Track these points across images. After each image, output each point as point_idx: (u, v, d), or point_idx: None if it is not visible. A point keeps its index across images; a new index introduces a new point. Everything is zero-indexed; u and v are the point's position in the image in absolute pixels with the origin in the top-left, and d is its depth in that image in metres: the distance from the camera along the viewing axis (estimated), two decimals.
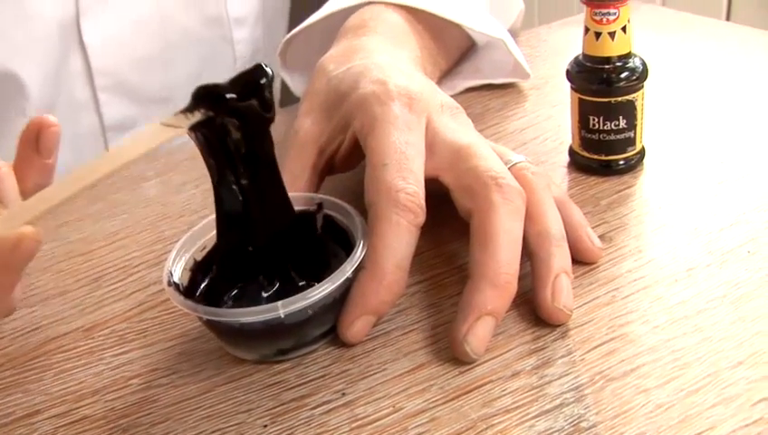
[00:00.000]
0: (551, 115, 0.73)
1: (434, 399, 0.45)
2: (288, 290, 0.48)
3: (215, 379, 0.49)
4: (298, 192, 0.55)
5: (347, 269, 0.47)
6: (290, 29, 0.78)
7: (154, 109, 0.87)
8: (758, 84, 0.75)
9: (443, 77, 0.78)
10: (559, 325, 0.49)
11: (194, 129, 0.45)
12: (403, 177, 0.49)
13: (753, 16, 1.64)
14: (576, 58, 0.61)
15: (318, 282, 0.47)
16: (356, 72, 0.58)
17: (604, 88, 0.59)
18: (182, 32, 0.87)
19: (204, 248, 0.52)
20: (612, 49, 0.58)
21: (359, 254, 0.48)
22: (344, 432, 0.44)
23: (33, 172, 0.48)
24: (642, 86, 0.60)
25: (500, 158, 0.53)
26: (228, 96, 0.45)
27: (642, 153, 0.63)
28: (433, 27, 0.73)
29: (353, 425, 0.45)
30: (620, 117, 0.60)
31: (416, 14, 0.72)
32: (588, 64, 0.60)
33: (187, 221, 0.65)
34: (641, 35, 0.83)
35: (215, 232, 0.51)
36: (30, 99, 0.80)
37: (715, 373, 0.44)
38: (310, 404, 0.46)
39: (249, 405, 0.47)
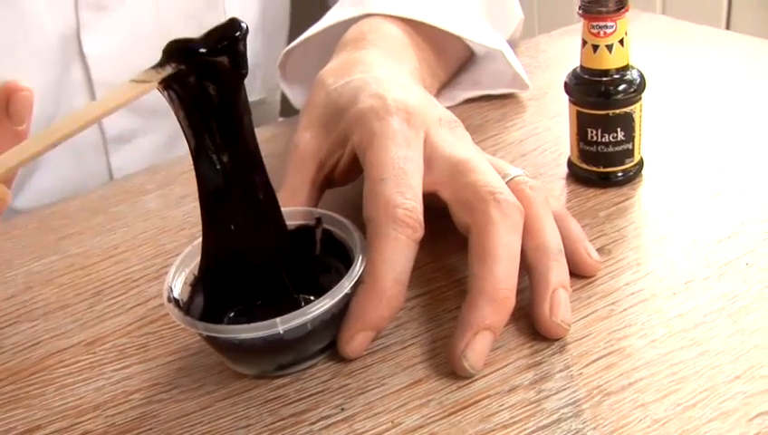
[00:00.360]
0: (549, 126, 0.73)
1: (432, 414, 0.46)
2: (287, 305, 0.48)
3: (214, 394, 0.49)
4: (297, 207, 0.55)
5: (345, 285, 0.47)
6: (290, 41, 0.78)
7: (154, 120, 0.88)
8: (757, 94, 0.75)
9: (442, 88, 0.78)
10: (557, 339, 0.49)
11: (165, 84, 0.44)
12: (401, 192, 0.50)
13: (753, 24, 1.64)
14: (574, 70, 0.61)
15: (317, 297, 0.47)
16: (355, 87, 0.58)
17: (602, 100, 0.59)
18: None
19: None
20: (610, 62, 0.59)
21: (357, 269, 0.48)
22: None
23: (4, 139, 0.48)
24: (640, 98, 0.60)
25: (498, 172, 0.53)
26: (200, 50, 0.43)
27: (641, 165, 0.63)
28: (432, 39, 0.73)
29: None
30: (618, 129, 0.60)
31: (415, 26, 0.72)
32: (586, 77, 0.60)
33: (188, 234, 0.65)
34: (641, 44, 0.84)
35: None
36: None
37: (713, 388, 0.45)
38: (309, 419, 0.47)
39: (248, 420, 0.47)
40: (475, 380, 0.47)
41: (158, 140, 0.89)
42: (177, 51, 0.44)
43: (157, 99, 0.88)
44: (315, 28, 0.74)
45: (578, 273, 0.53)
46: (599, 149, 0.61)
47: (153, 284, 0.60)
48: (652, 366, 0.46)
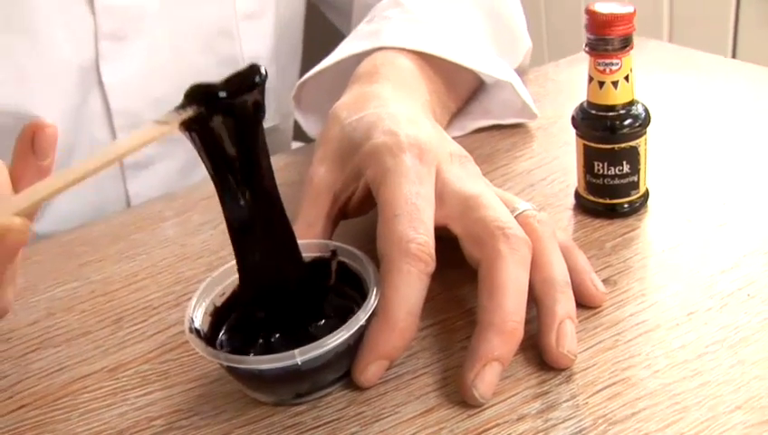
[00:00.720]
0: (558, 155, 0.75)
1: None
2: (305, 335, 0.50)
3: (234, 421, 0.51)
4: (313, 239, 0.57)
5: (361, 317, 0.49)
6: (302, 69, 0.80)
7: (170, 147, 0.89)
8: (762, 123, 0.77)
9: (453, 118, 0.80)
10: (563, 369, 0.51)
11: (186, 126, 0.46)
12: (414, 227, 0.51)
13: (759, 53, 1.65)
14: (581, 105, 0.63)
15: (333, 327, 0.49)
16: (368, 122, 0.60)
17: (608, 135, 0.61)
18: (198, 73, 0.88)
19: (223, 294, 0.54)
20: (616, 97, 0.61)
21: (372, 302, 0.50)
22: None
23: (29, 174, 0.49)
24: (645, 132, 0.62)
25: (507, 205, 0.55)
26: (220, 94, 0.46)
27: (646, 196, 0.65)
28: (443, 70, 0.75)
29: None
30: (624, 162, 0.62)
31: (426, 59, 0.74)
32: (592, 112, 0.62)
33: (206, 262, 0.67)
34: (648, 72, 0.86)
35: (233, 278, 0.54)
36: None
37: (714, 417, 0.46)
38: None
39: None
40: (485, 408, 0.49)
41: (174, 166, 0.91)
42: (199, 94, 0.46)
43: None
44: (329, 60, 0.76)
45: (584, 304, 0.55)
46: (605, 181, 0.63)
47: (173, 311, 0.62)
48: (655, 396, 0.48)
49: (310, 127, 0.83)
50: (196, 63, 0.88)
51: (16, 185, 0.48)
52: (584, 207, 0.66)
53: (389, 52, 0.73)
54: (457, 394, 0.50)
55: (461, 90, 0.80)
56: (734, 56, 1.71)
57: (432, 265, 0.51)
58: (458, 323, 0.56)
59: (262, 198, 0.49)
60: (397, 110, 0.62)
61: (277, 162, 0.79)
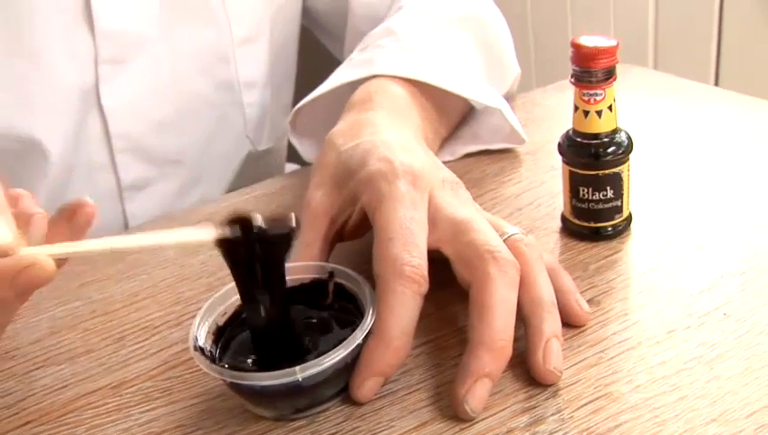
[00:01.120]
0: (544, 180, 0.77)
1: None
2: (305, 353, 0.53)
3: None
4: (311, 261, 0.59)
5: (358, 336, 0.51)
6: (297, 92, 0.81)
7: (168, 169, 0.91)
8: (741, 150, 0.79)
9: (444, 143, 0.83)
10: (550, 385, 0.53)
11: (219, 244, 0.51)
12: (408, 250, 0.54)
13: (741, 81, 1.68)
14: (567, 133, 0.66)
15: (331, 346, 0.51)
16: (364, 149, 0.62)
17: (592, 162, 0.64)
18: (195, 97, 0.91)
19: (225, 314, 0.56)
20: (600, 126, 0.63)
21: (368, 321, 0.52)
22: None
23: (61, 239, 0.51)
24: (628, 159, 0.64)
25: (496, 230, 0.57)
26: (256, 231, 0.51)
27: (629, 219, 0.68)
28: (434, 97, 0.78)
29: None
30: (608, 187, 0.65)
31: (419, 86, 0.77)
32: (577, 139, 0.64)
33: (206, 283, 0.69)
34: (632, 98, 0.89)
35: (234, 298, 0.56)
36: (51, 162, 0.83)
37: (691, 429, 0.49)
38: None
39: None
40: (476, 422, 0.51)
41: (171, 187, 0.93)
42: (239, 222, 0.51)
43: (170, 148, 0.92)
44: (324, 87, 0.79)
45: (570, 323, 0.58)
46: (590, 205, 0.66)
47: (174, 330, 0.64)
48: (636, 410, 0.51)
49: (305, 151, 0.86)
50: (194, 87, 0.90)
51: (47, 243, 0.51)
52: (570, 230, 0.68)
53: (383, 79, 0.76)
54: (450, 409, 0.52)
55: (452, 116, 0.83)
56: (716, 83, 1.74)
57: (425, 287, 0.54)
58: (450, 340, 0.59)
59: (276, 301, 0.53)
60: (391, 137, 0.64)
61: (273, 185, 0.83)
